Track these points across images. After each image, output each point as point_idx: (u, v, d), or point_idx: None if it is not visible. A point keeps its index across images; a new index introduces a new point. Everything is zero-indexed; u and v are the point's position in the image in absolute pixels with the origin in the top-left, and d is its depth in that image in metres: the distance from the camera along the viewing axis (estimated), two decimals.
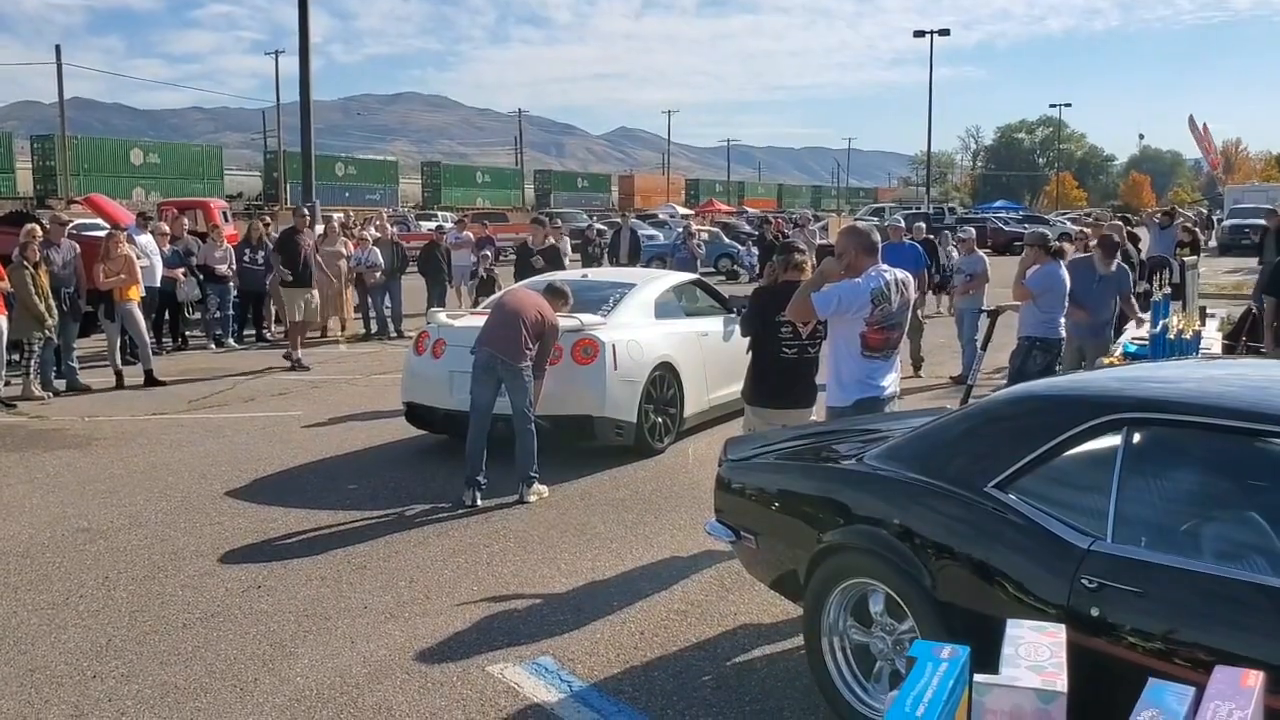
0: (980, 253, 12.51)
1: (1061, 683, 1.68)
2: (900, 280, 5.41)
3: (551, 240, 14.34)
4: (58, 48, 49.40)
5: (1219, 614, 2.96)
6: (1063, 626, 1.87)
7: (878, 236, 5.59)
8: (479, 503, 7.11)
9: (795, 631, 4.72)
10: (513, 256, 15.44)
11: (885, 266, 5.42)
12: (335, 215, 19.97)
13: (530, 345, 7.22)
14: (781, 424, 5.94)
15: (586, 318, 8.36)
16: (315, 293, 14.26)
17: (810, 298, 5.31)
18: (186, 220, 17.59)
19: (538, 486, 7.29)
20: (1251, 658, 2.73)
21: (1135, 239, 14.96)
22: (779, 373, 6.15)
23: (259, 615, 5.24)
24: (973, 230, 13.86)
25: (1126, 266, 9.27)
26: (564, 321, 8.22)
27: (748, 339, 6.39)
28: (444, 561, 6.04)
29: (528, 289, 8.03)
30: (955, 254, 15.12)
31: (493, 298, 8.73)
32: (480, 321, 8.79)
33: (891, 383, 5.48)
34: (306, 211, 15.72)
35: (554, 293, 7.77)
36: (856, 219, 34.50)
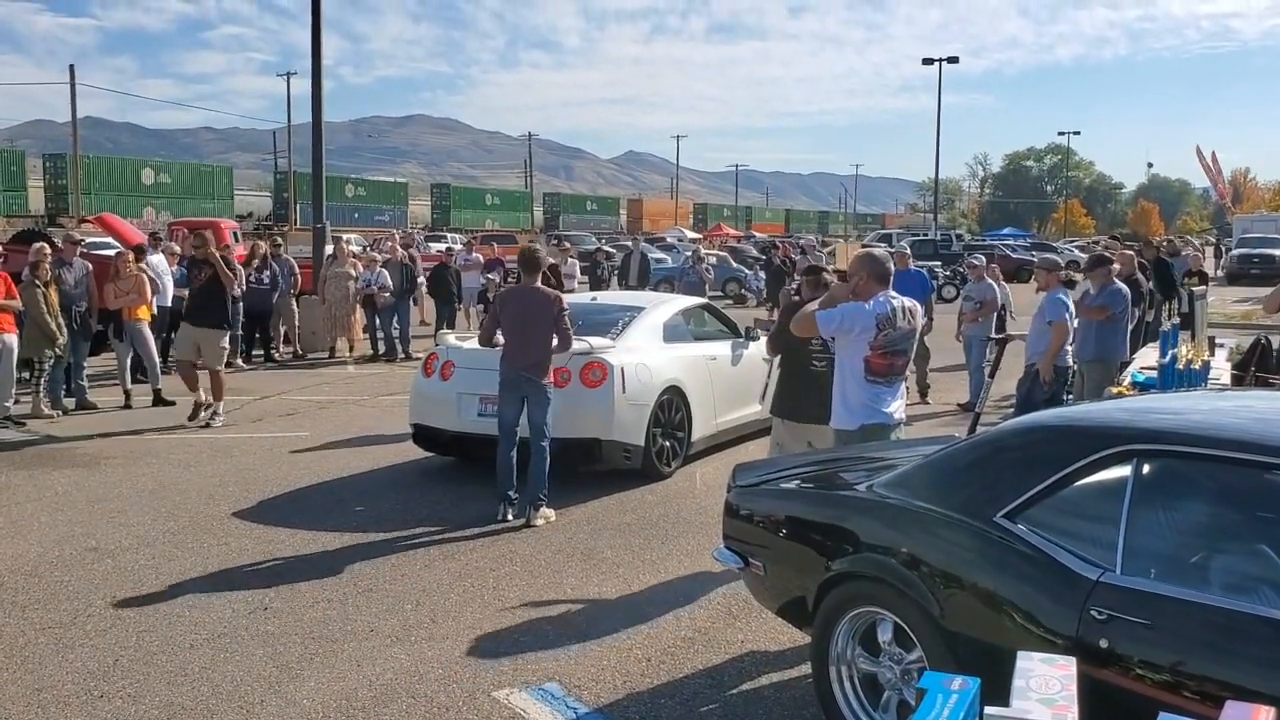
0: (990, 280, 12.51)
1: (1072, 716, 1.68)
2: (908, 307, 5.47)
3: (552, 260, 14.53)
4: (71, 67, 49.83)
5: (1229, 647, 2.95)
6: (1073, 659, 1.88)
7: (892, 266, 5.61)
8: (510, 518, 7.21)
9: (803, 660, 4.72)
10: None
11: (894, 293, 5.46)
12: (350, 236, 20.03)
13: (549, 347, 7.26)
14: (808, 439, 6.12)
15: (595, 341, 8.38)
16: (220, 335, 11.07)
17: (814, 314, 5.39)
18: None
19: (545, 510, 7.30)
20: (1263, 692, 2.72)
21: (1144, 268, 14.97)
22: (807, 385, 6.29)
23: (265, 637, 5.24)
24: (983, 257, 13.87)
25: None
26: (574, 344, 8.24)
27: (776, 356, 6.52)
28: (450, 585, 6.04)
29: (519, 290, 7.66)
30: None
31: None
32: None
33: (897, 409, 5.51)
34: (209, 236, 11.68)
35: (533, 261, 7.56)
36: (865, 244, 34.57)
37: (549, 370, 7.28)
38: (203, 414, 10.84)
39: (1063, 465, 3.50)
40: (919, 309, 5.68)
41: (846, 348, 5.42)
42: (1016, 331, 9.75)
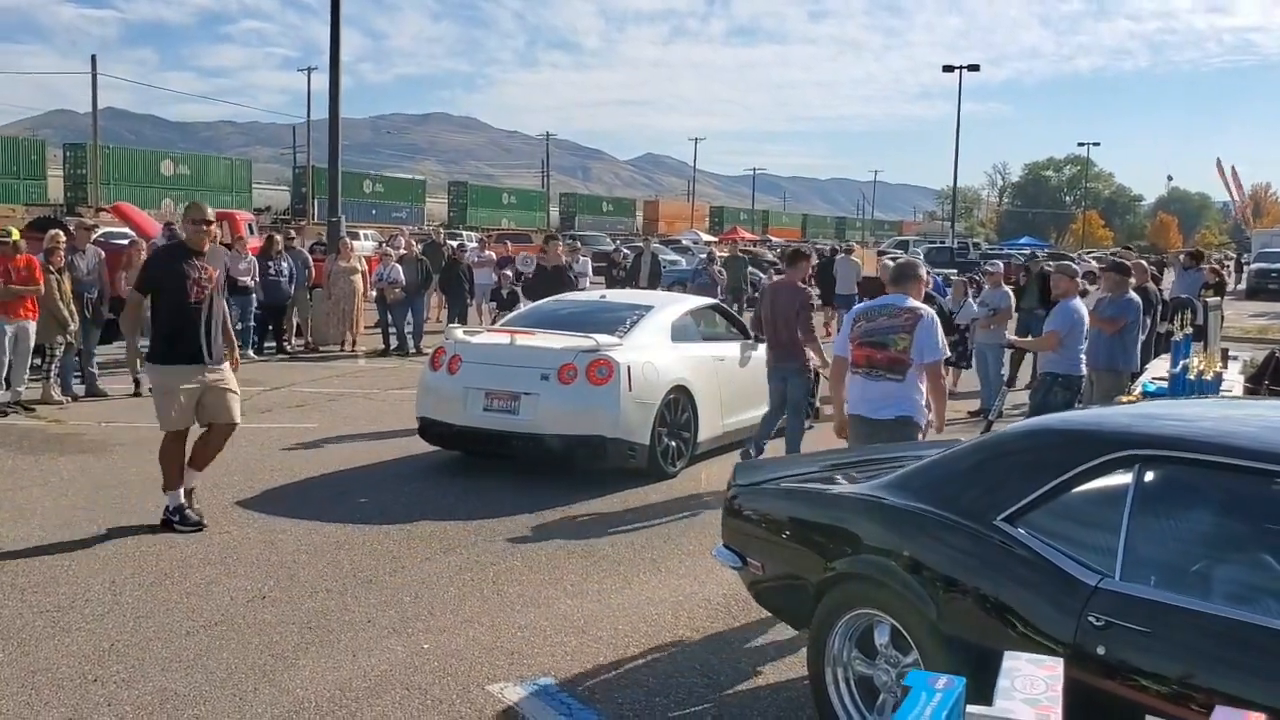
0: (1006, 288, 12.42)
1: (1056, 716, 1.65)
2: (889, 303, 5.91)
3: (565, 258, 14.79)
4: (93, 58, 49.99)
5: (1227, 657, 2.90)
6: (1060, 660, 1.85)
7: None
8: (752, 454, 8.26)
9: (799, 661, 4.69)
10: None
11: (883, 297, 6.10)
12: (367, 232, 20.10)
13: (796, 334, 8.23)
14: None
15: (602, 338, 8.35)
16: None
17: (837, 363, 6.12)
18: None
19: None
20: (1259, 703, 2.68)
21: (1157, 279, 14.90)
22: None
23: (262, 625, 5.23)
24: (1001, 264, 13.80)
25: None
26: (580, 341, 8.24)
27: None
28: (450, 578, 6.02)
29: (775, 284, 8.70)
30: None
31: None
32: (497, 339, 8.85)
33: (882, 405, 5.77)
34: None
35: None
36: (880, 251, 34.54)
37: (799, 356, 8.30)
38: None
39: (1064, 469, 3.46)
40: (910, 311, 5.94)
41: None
42: (1016, 339, 9.71)
